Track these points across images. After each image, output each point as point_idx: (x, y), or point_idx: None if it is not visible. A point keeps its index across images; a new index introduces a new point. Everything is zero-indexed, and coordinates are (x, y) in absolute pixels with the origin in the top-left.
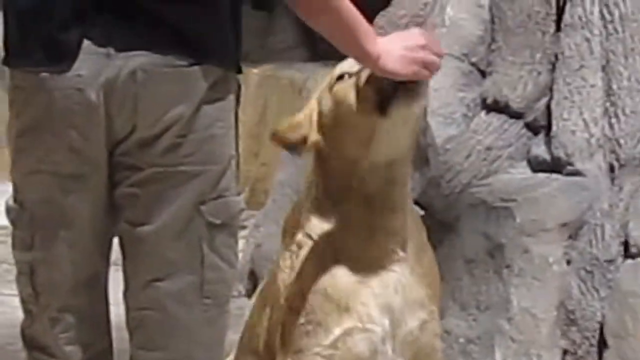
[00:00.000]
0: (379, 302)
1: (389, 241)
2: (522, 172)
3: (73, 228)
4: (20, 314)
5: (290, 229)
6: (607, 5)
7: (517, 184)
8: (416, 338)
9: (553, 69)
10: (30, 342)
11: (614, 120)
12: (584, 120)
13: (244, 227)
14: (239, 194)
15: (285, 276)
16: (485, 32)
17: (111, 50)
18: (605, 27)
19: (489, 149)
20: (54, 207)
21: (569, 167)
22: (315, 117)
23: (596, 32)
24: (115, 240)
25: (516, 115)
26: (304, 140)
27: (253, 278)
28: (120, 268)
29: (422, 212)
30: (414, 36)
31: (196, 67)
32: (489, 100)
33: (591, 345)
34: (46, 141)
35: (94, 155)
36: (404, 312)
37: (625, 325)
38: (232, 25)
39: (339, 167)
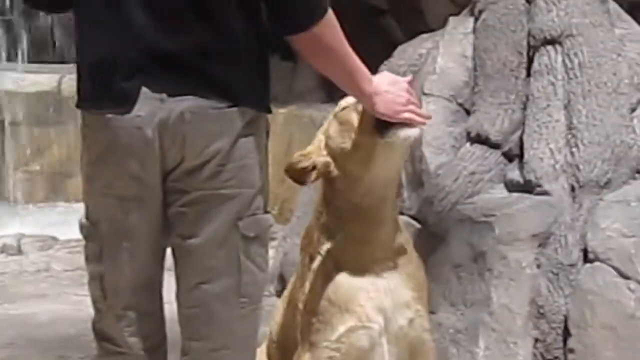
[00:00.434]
0: (373, 304)
1: (379, 251)
2: (500, 192)
3: (134, 241)
4: (91, 311)
5: (305, 247)
6: (568, 55)
7: (496, 202)
8: (406, 333)
9: (524, 107)
10: (99, 334)
11: (574, 149)
12: (550, 149)
13: (273, 239)
14: (268, 212)
15: (302, 284)
16: (469, 77)
17: (164, 96)
18: (567, 73)
19: (472, 173)
20: (118, 225)
21: (538, 188)
22: (322, 144)
23: (559, 77)
24: (168, 251)
25: (495, 146)
26: (314, 166)
27: (282, 280)
28: (172, 273)
29: (418, 226)
30: (402, 89)
31: (233, 109)
32: (473, 134)
33: (557, 334)
34: (111, 170)
35: (151, 181)
36: (394, 311)
37: (585, 318)
38: (262, 75)
39: (343, 186)
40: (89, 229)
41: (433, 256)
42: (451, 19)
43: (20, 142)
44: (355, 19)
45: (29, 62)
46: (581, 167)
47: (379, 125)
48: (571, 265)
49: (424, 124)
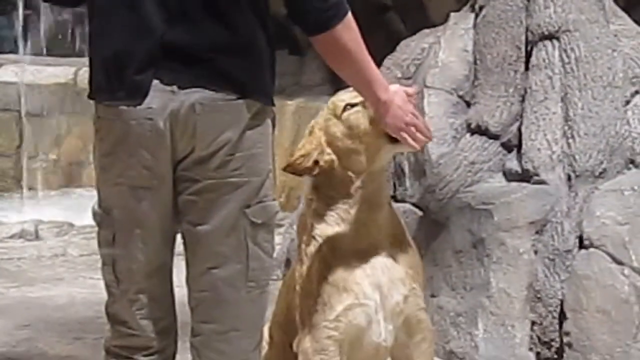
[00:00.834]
0: (370, 281)
1: (376, 232)
2: (498, 181)
3: (145, 228)
4: (106, 295)
5: (301, 232)
6: (565, 50)
7: (495, 190)
8: (402, 309)
9: (523, 100)
10: (113, 317)
11: (570, 140)
12: (547, 140)
13: (280, 226)
14: (274, 199)
15: (299, 268)
16: (470, 71)
17: (175, 88)
18: (563, 67)
19: (472, 163)
20: (130, 212)
21: (536, 178)
22: (324, 143)
23: (557, 71)
24: (178, 237)
25: (494, 137)
26: (316, 164)
27: (288, 266)
28: (182, 258)
29: (420, 213)
30: (410, 110)
31: (241, 101)
32: (473, 125)
33: (553, 318)
34: (124, 160)
35: (162, 170)
36: (390, 288)
37: (580, 302)
38: (269, 69)
39: (342, 177)
40: (102, 216)
41: (434, 242)
42: (452, 14)
43: (37, 132)
44: (361, 15)
45: (47, 54)
46: (577, 157)
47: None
48: (567, 252)
49: (416, 148)
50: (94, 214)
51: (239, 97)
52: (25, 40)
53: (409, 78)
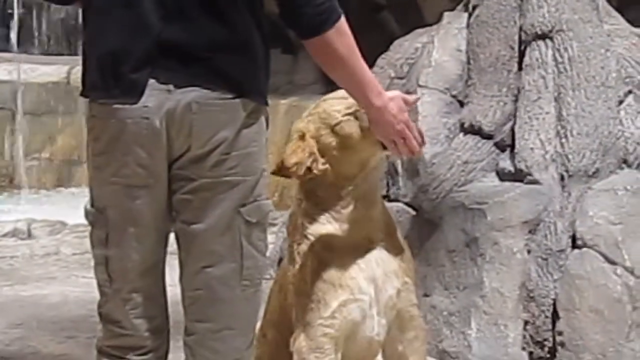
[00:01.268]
0: (365, 275)
1: (369, 227)
2: (492, 181)
3: (139, 226)
4: (98, 294)
5: (292, 231)
6: (558, 50)
7: (488, 190)
8: (395, 303)
9: (516, 100)
10: (105, 317)
11: (564, 140)
12: (540, 140)
13: (274, 225)
14: (268, 198)
15: (292, 268)
16: (463, 71)
17: (171, 87)
18: (557, 67)
19: (466, 162)
20: (124, 211)
21: (529, 177)
22: (317, 152)
23: (550, 71)
24: (171, 235)
25: (487, 137)
26: (309, 170)
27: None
28: (175, 257)
29: (414, 213)
30: (403, 120)
31: (237, 100)
32: (466, 125)
33: (546, 317)
34: (119, 159)
35: (157, 169)
36: (385, 281)
37: (573, 301)
38: (264, 69)
39: (334, 182)
40: (95, 215)
41: (428, 242)
42: (446, 14)
43: (30, 131)
44: (355, 14)
45: (41, 53)
46: (570, 157)
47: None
48: (560, 251)
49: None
50: (87, 213)
51: (235, 97)
52: (19, 38)
53: (402, 77)
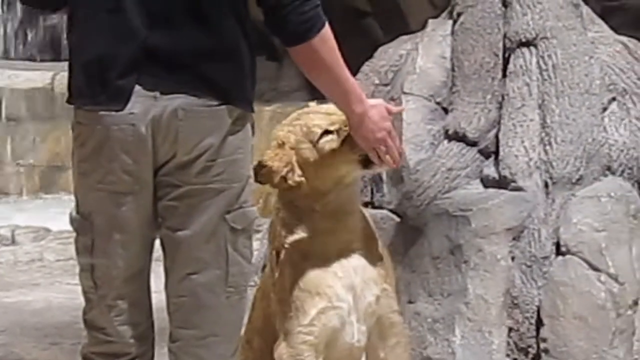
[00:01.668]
0: (342, 283)
1: (346, 236)
2: (476, 187)
3: (125, 233)
4: (83, 300)
5: (272, 239)
6: (542, 57)
7: (473, 197)
8: (374, 310)
9: (500, 107)
10: (90, 324)
11: (548, 147)
12: (524, 147)
13: (258, 231)
14: (253, 205)
15: (273, 276)
16: (448, 78)
17: (157, 94)
18: (541, 74)
19: (450, 169)
20: (110, 217)
21: (513, 184)
22: (295, 163)
23: (534, 78)
24: (156, 241)
25: (471, 143)
26: (284, 180)
27: None
28: (160, 263)
29: (398, 220)
30: (385, 127)
31: (223, 107)
32: (450, 132)
33: (530, 324)
34: (104, 165)
35: (143, 176)
36: (363, 288)
37: (557, 308)
38: (250, 76)
39: (308, 193)
40: (80, 222)
41: (412, 248)
42: (430, 21)
43: (15, 136)
44: (340, 20)
45: (26, 59)
46: (554, 164)
47: (363, 161)
48: (544, 258)
49: (391, 165)
50: (72, 220)
51: (221, 103)
52: (4, 44)
53: (386, 84)
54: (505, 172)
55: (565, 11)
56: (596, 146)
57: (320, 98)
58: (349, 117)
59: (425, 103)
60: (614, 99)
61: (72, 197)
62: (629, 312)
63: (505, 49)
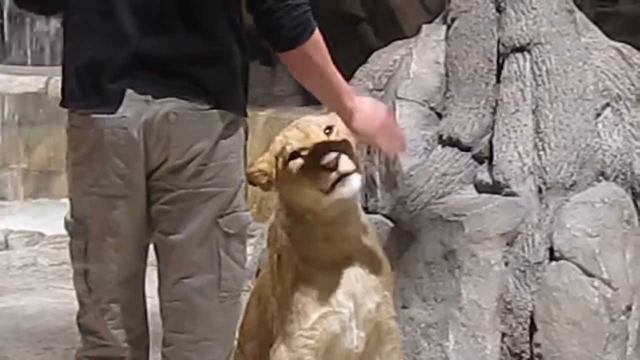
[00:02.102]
0: (343, 290)
1: (346, 244)
2: (470, 193)
3: (118, 237)
4: (77, 305)
5: (272, 242)
6: (536, 63)
7: (466, 202)
8: (374, 317)
9: (494, 112)
10: (84, 328)
11: (541, 152)
12: (518, 152)
13: (252, 236)
14: (247, 210)
15: (272, 280)
16: (442, 83)
17: (149, 98)
18: (535, 79)
19: (444, 175)
20: (103, 221)
21: (507, 189)
22: (274, 172)
23: (528, 83)
24: (151, 246)
25: (465, 149)
26: (270, 184)
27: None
28: (154, 268)
29: (392, 225)
30: (382, 112)
31: (215, 111)
32: (444, 137)
33: (524, 329)
34: (97, 169)
35: (135, 180)
36: (364, 296)
37: (550, 314)
38: (242, 81)
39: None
40: (74, 226)
41: (406, 254)
42: (424, 26)
43: (8, 141)
44: (333, 26)
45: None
46: (548, 169)
47: (323, 189)
48: (538, 263)
49: (400, 150)
50: (66, 224)
51: (213, 107)
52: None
53: (380, 89)
54: (499, 178)
55: (559, 17)
56: (590, 152)
57: (315, 104)
58: (342, 115)
59: (419, 108)
60: (607, 104)
61: (66, 202)
62: (623, 317)
63: (499, 54)
